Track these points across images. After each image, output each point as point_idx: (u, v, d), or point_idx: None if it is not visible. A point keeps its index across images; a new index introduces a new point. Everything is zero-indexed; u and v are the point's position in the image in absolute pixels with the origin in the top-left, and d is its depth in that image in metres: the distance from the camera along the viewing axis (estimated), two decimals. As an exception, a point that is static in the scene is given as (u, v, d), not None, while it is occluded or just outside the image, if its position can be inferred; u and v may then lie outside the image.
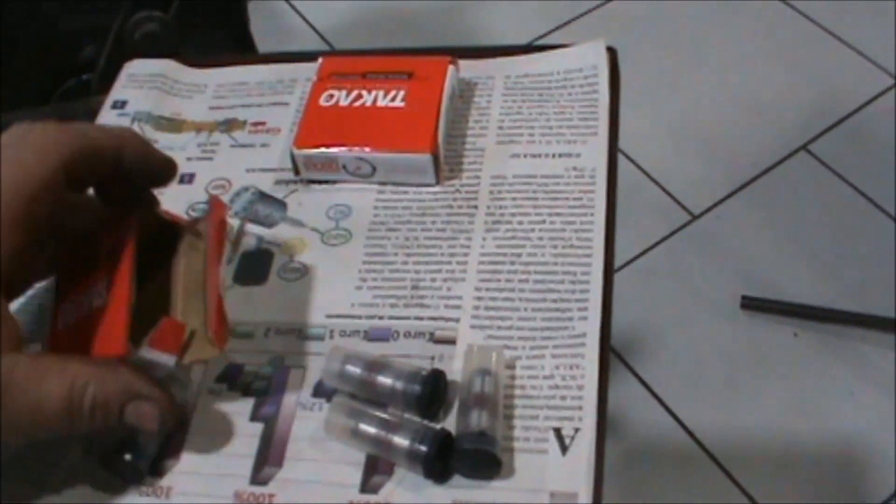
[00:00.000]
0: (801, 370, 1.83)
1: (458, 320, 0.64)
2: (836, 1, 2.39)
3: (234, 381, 0.64)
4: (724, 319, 1.90)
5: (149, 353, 0.57)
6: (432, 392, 0.59)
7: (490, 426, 0.57)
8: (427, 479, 0.57)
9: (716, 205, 2.05)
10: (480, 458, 0.56)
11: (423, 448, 0.57)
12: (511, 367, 0.61)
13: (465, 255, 0.67)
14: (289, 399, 0.63)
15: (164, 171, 0.63)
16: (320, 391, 0.63)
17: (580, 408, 0.59)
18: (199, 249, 0.63)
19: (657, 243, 2.00)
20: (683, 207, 2.05)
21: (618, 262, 1.79)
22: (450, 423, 0.59)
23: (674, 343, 1.87)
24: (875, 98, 2.21)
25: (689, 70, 2.30)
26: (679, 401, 1.80)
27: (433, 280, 0.66)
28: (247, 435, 0.61)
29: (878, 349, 1.84)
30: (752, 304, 1.90)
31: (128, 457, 0.59)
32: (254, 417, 0.62)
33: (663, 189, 2.06)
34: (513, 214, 0.69)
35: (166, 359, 0.57)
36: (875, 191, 2.04)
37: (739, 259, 1.98)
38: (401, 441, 0.57)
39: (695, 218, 2.04)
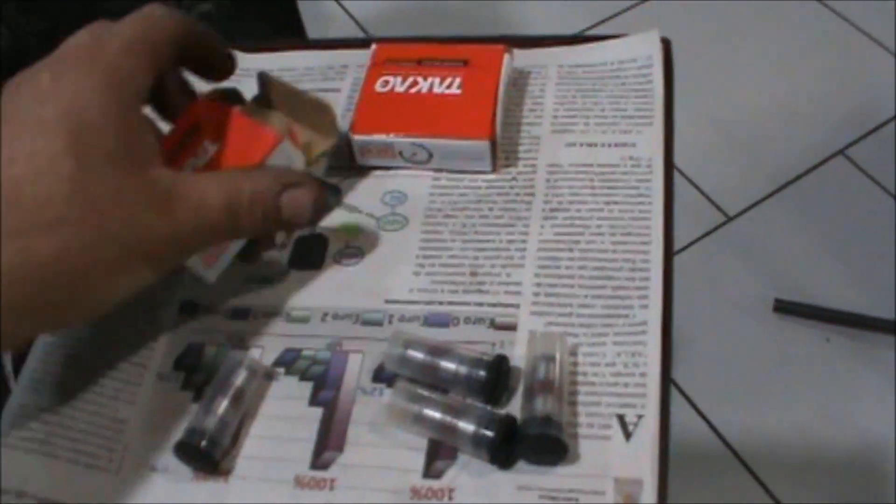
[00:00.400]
0: (833, 375, 1.83)
1: (518, 306, 0.64)
2: (878, 5, 2.38)
3: (291, 365, 0.64)
4: (757, 322, 1.90)
5: (280, 155, 0.64)
6: (497, 377, 0.59)
7: (555, 411, 0.56)
8: (492, 464, 0.57)
9: (751, 207, 2.05)
10: (546, 443, 0.56)
11: (489, 433, 0.56)
12: (573, 353, 0.61)
13: (524, 241, 0.67)
14: (348, 383, 0.63)
15: (225, 62, 0.67)
16: (380, 376, 0.62)
17: (643, 395, 0.58)
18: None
19: (691, 244, 2.00)
20: (718, 208, 2.04)
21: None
22: (513, 408, 0.59)
23: (705, 345, 1.87)
24: (915, 104, 2.20)
25: (727, 71, 2.29)
26: (709, 403, 1.80)
27: (492, 266, 0.66)
28: (306, 419, 0.61)
29: (911, 357, 1.83)
30: (785, 308, 1.90)
31: (204, 443, 0.60)
32: (312, 402, 0.62)
33: (699, 189, 2.06)
34: (570, 202, 0.69)
35: (297, 155, 0.65)
36: (911, 197, 2.04)
37: (773, 262, 1.98)
38: (466, 426, 0.57)
39: (730, 219, 2.03)
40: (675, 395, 1.79)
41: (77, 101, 0.55)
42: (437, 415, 0.58)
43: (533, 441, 0.56)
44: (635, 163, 0.70)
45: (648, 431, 0.57)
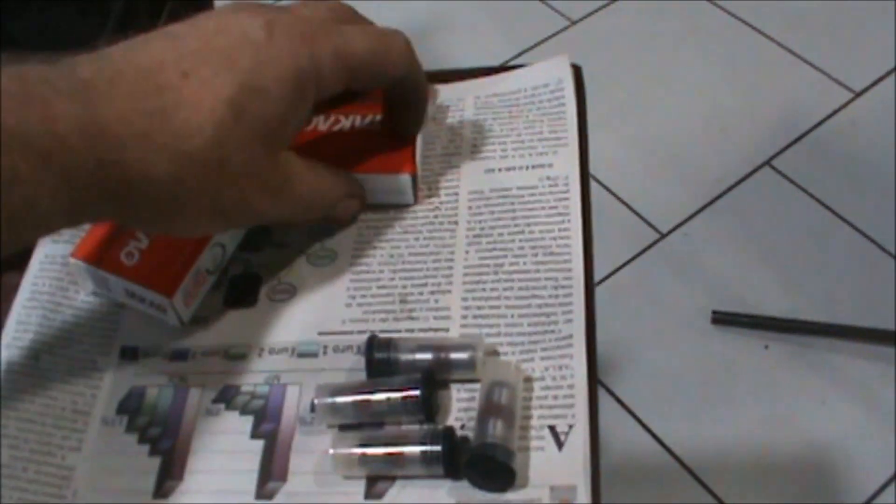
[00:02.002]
0: (774, 381, 1.86)
1: (447, 330, 0.66)
2: (793, 19, 2.44)
3: (230, 401, 0.65)
4: (696, 334, 1.92)
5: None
6: (430, 392, 0.61)
7: (505, 436, 0.58)
8: (446, 477, 0.59)
9: (683, 222, 2.08)
10: (494, 468, 0.57)
11: (438, 448, 0.58)
12: (529, 379, 0.62)
13: (450, 268, 0.69)
14: (287, 415, 0.64)
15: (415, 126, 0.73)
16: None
17: (572, 405, 0.60)
18: None
19: (627, 262, 2.02)
20: (651, 226, 2.08)
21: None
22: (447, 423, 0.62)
23: (647, 360, 1.89)
24: (834, 113, 2.25)
25: (653, 91, 2.33)
26: (654, 416, 1.82)
27: (420, 293, 0.68)
28: (248, 452, 0.63)
29: (847, 358, 1.87)
30: (722, 319, 1.92)
31: None
32: (254, 435, 0.63)
33: (631, 209, 2.09)
34: (492, 227, 0.71)
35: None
36: (837, 203, 2.08)
37: (708, 274, 2.01)
38: (412, 450, 0.58)
39: (663, 236, 2.07)
40: (619, 410, 1.82)
41: (271, 69, 0.58)
42: (380, 450, 0.59)
43: (484, 465, 0.57)
44: (553, 182, 0.72)
45: (579, 439, 0.59)
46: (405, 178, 0.72)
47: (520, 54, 2.38)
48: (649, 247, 2.05)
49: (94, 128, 0.53)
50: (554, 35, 2.45)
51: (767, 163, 2.16)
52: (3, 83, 0.51)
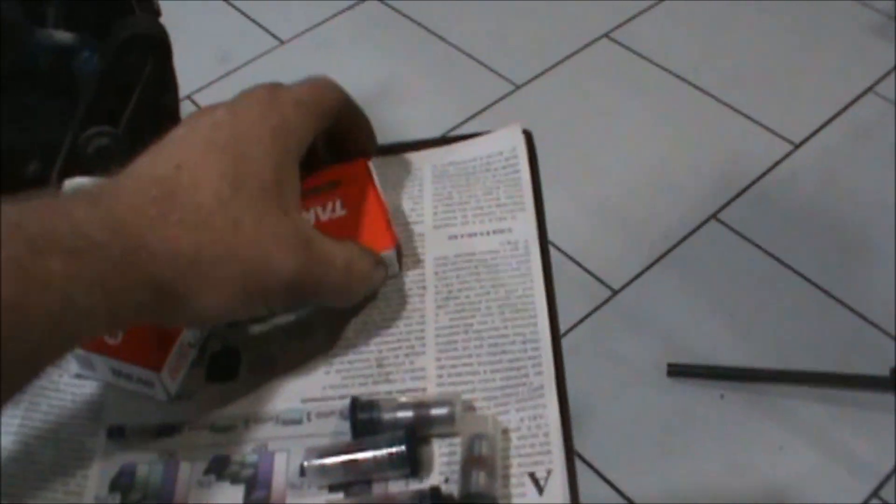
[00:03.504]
0: (731, 429, 1.89)
1: (424, 389, 0.68)
2: (731, 75, 2.50)
3: (221, 471, 0.67)
4: (653, 388, 1.95)
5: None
6: (415, 448, 0.64)
7: (488, 486, 0.61)
8: None
9: (635, 278, 2.12)
10: None
11: None
12: (506, 430, 0.65)
13: (422, 330, 0.72)
14: (278, 481, 0.66)
15: (368, 141, 0.77)
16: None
17: (549, 451, 0.63)
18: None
19: (581, 320, 2.05)
20: (603, 283, 2.11)
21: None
22: (432, 479, 0.64)
23: (606, 415, 1.91)
24: (775, 165, 2.31)
25: (598, 151, 2.38)
26: (615, 469, 1.84)
27: (396, 356, 0.70)
28: None
29: (801, 402, 1.91)
30: (677, 371, 1.96)
31: None
32: (247, 502, 0.65)
33: (582, 267, 2.12)
34: (459, 290, 0.73)
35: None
36: (782, 251, 2.14)
37: (662, 328, 2.04)
38: None
39: (615, 293, 2.10)
40: (580, 466, 1.84)
41: (247, 136, 0.63)
42: (373, 513, 0.62)
43: None
44: (513, 246, 0.75)
45: (558, 482, 0.62)
46: (390, 253, 0.74)
47: (467, 120, 2.42)
48: (603, 304, 2.08)
49: (115, 223, 0.57)
50: (500, 100, 2.50)
51: (713, 216, 2.21)
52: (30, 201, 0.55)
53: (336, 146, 0.76)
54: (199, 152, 0.62)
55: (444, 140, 0.84)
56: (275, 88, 0.67)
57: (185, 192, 0.60)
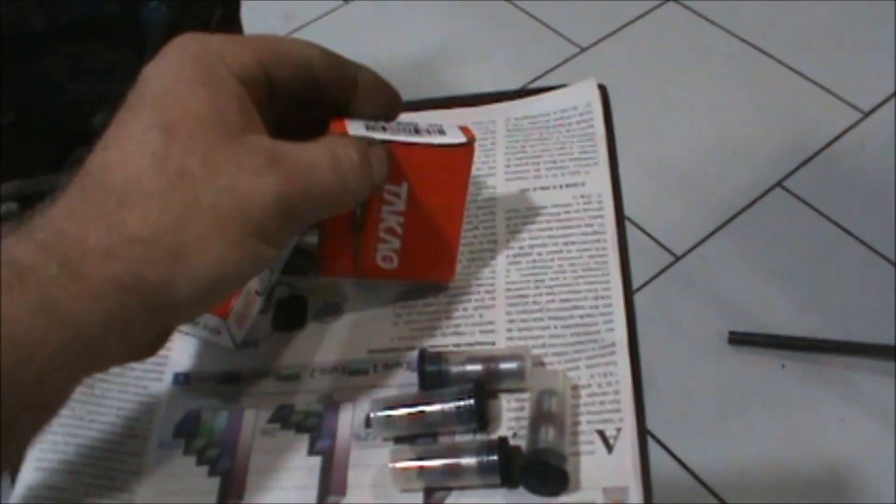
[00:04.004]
0: (792, 400, 1.86)
1: (493, 343, 0.68)
2: (800, 41, 2.46)
3: (286, 420, 0.67)
4: (713, 356, 1.93)
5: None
6: (482, 402, 0.63)
7: (556, 442, 0.60)
8: (502, 486, 0.60)
9: (698, 244, 2.09)
10: (550, 472, 0.59)
11: (493, 458, 0.60)
12: (575, 386, 0.65)
13: (492, 285, 0.71)
14: (342, 432, 0.66)
15: (352, 83, 0.64)
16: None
17: (619, 410, 0.63)
18: None
19: (643, 286, 2.04)
20: (666, 249, 2.09)
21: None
22: (500, 433, 0.63)
23: (665, 381, 1.90)
24: (843, 133, 2.27)
25: (662, 115, 2.35)
26: (674, 437, 1.82)
27: (465, 309, 0.70)
28: (306, 468, 0.64)
29: (864, 375, 1.88)
30: (739, 339, 1.93)
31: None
32: (311, 452, 0.65)
33: (645, 232, 2.10)
34: (531, 246, 0.73)
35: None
36: (848, 221, 2.10)
37: (724, 296, 2.02)
38: (469, 461, 0.60)
39: (678, 259, 2.08)
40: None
41: (165, 75, 0.55)
42: (437, 462, 0.61)
43: (536, 470, 0.59)
44: (587, 200, 0.75)
45: (627, 441, 0.61)
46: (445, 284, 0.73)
47: (531, 81, 2.40)
48: (665, 269, 2.06)
49: (47, 238, 0.51)
50: (564, 62, 2.48)
51: (779, 184, 2.18)
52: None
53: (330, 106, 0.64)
54: (122, 120, 0.55)
55: (519, 93, 0.84)
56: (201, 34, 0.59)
57: (115, 171, 0.52)
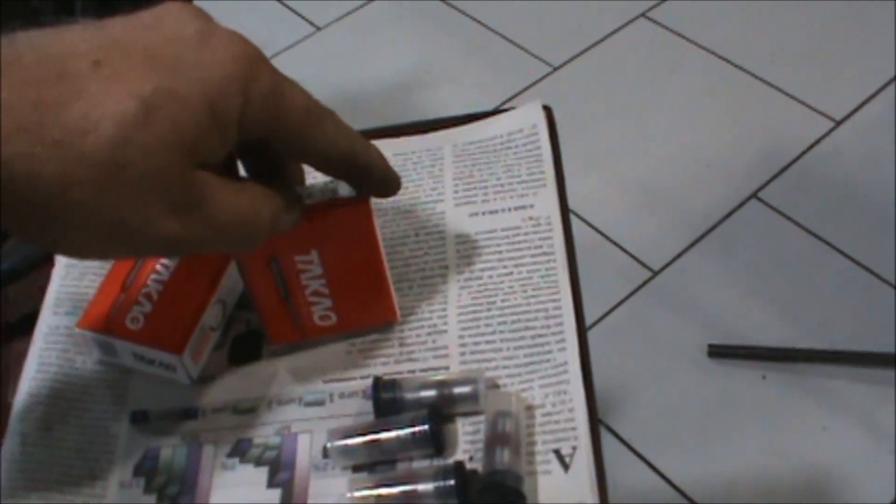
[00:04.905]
0: (773, 411, 1.87)
1: (447, 368, 0.68)
2: (770, 53, 2.47)
3: (244, 454, 0.67)
4: (694, 369, 1.93)
5: None
6: (439, 426, 0.63)
7: (513, 463, 0.60)
8: None
9: (675, 259, 2.10)
10: (505, 493, 0.59)
11: (451, 482, 0.60)
12: (530, 406, 0.65)
13: (444, 310, 0.71)
14: (301, 463, 0.66)
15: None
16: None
17: (574, 428, 0.63)
18: None
19: (621, 302, 2.04)
20: (643, 264, 2.09)
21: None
22: (456, 457, 0.64)
23: (647, 397, 1.90)
24: (817, 142, 2.28)
25: (638, 130, 2.36)
26: (657, 452, 1.83)
27: (418, 336, 0.70)
28: (267, 502, 0.65)
29: (845, 383, 1.88)
30: (719, 352, 1.94)
31: None
32: (271, 485, 0.65)
33: (622, 248, 2.10)
34: (482, 270, 0.73)
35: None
36: (824, 230, 2.10)
37: (703, 309, 2.02)
38: (426, 486, 0.61)
39: (655, 274, 2.08)
40: (621, 448, 1.83)
41: (196, 71, 0.51)
42: (395, 489, 0.61)
43: (495, 491, 0.60)
44: (535, 222, 0.75)
45: (584, 460, 0.61)
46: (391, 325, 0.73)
47: (504, 102, 2.41)
48: (643, 285, 2.06)
49: None
50: (537, 82, 2.49)
51: (754, 195, 2.18)
52: None
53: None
54: (134, 59, 0.50)
55: (465, 118, 0.84)
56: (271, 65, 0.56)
57: (82, 102, 0.48)
